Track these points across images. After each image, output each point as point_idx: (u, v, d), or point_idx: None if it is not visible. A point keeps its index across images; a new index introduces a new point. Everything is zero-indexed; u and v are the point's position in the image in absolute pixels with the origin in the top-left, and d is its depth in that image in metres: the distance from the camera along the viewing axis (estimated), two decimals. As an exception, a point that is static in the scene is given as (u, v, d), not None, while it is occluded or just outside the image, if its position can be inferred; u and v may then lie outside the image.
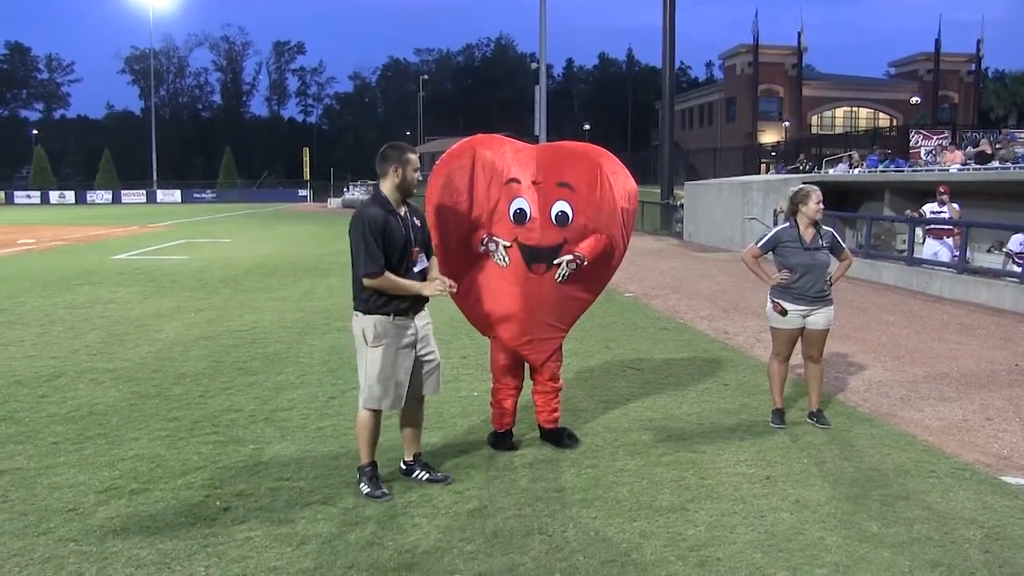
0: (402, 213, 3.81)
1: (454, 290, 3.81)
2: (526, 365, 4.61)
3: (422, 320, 3.91)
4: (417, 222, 3.88)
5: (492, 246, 4.30)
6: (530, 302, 4.36)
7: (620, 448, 4.60)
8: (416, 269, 3.83)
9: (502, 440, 4.58)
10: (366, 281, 3.68)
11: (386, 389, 3.80)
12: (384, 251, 3.69)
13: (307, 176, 64.74)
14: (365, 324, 3.77)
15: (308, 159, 65.73)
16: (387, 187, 3.79)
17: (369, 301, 3.76)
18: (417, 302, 3.86)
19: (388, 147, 3.81)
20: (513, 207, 4.31)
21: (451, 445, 4.63)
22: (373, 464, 3.96)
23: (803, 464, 4.33)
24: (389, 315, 3.77)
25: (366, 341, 3.78)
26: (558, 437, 4.63)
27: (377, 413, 3.88)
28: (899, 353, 7.32)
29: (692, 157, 46.66)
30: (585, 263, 4.31)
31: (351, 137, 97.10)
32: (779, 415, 5.07)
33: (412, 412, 4.02)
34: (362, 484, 3.89)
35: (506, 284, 4.35)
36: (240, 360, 6.77)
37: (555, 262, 4.30)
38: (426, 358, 3.92)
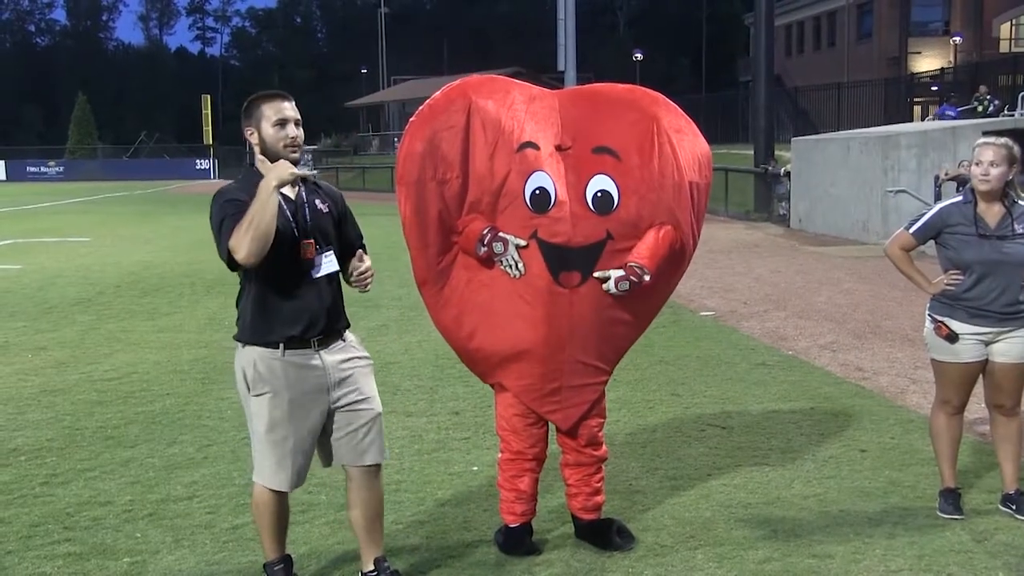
0: (288, 193, 3.91)
1: (302, 169, 3.83)
2: (550, 423, 4.65)
3: (338, 354, 3.98)
4: (322, 206, 3.99)
5: (498, 246, 4.33)
6: (557, 331, 4.39)
7: (698, 550, 4.61)
8: (317, 273, 3.90)
9: (516, 539, 4.61)
10: (238, 256, 3.65)
11: (279, 458, 3.90)
12: None
13: (209, 139, 65.06)
14: (244, 361, 3.92)
15: (210, 113, 66.11)
16: (258, 154, 3.96)
17: (247, 325, 3.90)
18: (319, 321, 3.90)
19: (246, 101, 4.00)
20: (530, 186, 4.35)
21: (439, 548, 4.65)
22: (284, 561, 4.08)
23: (991, 577, 4.34)
24: (276, 346, 3.86)
25: (247, 386, 3.92)
26: (602, 533, 4.66)
27: (273, 493, 3.99)
28: None
29: (803, 99, 46.54)
30: (647, 278, 4.35)
31: (276, 77, 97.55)
32: (952, 498, 5.07)
33: (358, 492, 4.09)
34: None
35: (520, 304, 4.39)
36: (108, 425, 6.82)
37: (596, 275, 4.34)
38: (353, 407, 3.99)
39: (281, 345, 3.86)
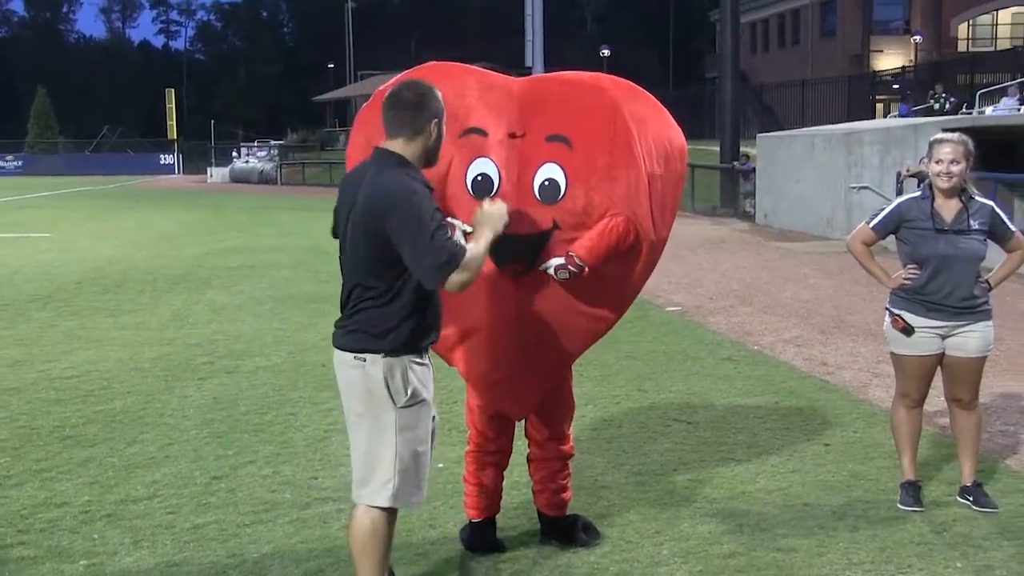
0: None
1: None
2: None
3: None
4: None
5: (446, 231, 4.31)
6: (504, 318, 4.37)
7: (663, 545, 4.63)
8: None
9: (481, 535, 4.60)
10: (456, 278, 3.55)
11: (424, 474, 3.76)
12: None
13: (173, 134, 64.70)
14: (389, 370, 3.67)
15: (174, 107, 65.71)
16: (413, 151, 3.68)
17: (403, 334, 3.67)
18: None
19: (418, 88, 3.74)
20: (472, 172, 4.35)
21: (404, 546, 4.62)
22: None
23: (956, 571, 4.37)
24: (423, 352, 3.77)
25: (392, 399, 3.67)
26: (567, 530, 4.66)
27: (395, 515, 3.82)
28: (1092, 391, 7.39)
29: (768, 95, 46.99)
30: (585, 271, 4.28)
31: (241, 72, 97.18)
32: (913, 491, 5.12)
33: None
34: None
35: (470, 288, 4.37)
36: (66, 424, 6.75)
37: (542, 268, 4.31)
38: (435, 416, 3.93)
39: (424, 350, 3.77)
